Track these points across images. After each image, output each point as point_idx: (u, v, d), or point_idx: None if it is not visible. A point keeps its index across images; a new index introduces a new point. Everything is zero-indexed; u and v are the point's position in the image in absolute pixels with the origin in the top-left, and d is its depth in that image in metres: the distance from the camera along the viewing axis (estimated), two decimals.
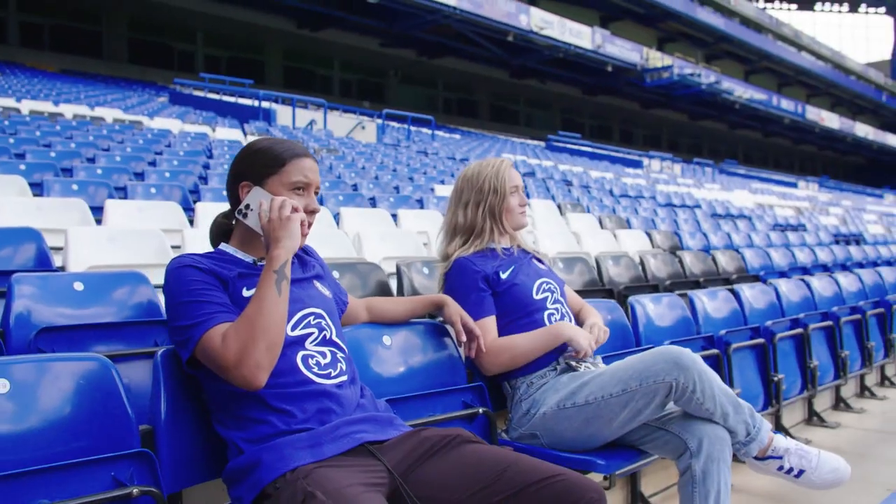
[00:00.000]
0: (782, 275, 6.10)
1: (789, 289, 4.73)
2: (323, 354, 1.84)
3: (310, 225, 1.93)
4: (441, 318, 2.48)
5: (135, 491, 1.59)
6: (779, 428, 4.33)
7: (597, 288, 4.46)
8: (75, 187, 4.97)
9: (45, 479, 1.52)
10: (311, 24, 30.82)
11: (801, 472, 2.33)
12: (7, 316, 2.34)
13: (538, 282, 2.63)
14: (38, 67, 22.96)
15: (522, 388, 2.48)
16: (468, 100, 39.54)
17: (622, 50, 33.91)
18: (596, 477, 2.81)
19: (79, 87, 17.28)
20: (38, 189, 4.89)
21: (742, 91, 40.20)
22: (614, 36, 34.10)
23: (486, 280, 2.56)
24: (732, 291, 4.24)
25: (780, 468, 2.34)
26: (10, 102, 11.25)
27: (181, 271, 1.77)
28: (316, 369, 1.80)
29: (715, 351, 3.40)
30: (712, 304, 3.93)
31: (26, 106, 11.08)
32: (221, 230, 1.97)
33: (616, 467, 2.34)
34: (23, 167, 5.46)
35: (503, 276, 2.59)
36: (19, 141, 7.06)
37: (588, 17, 34.41)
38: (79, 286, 2.53)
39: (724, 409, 2.24)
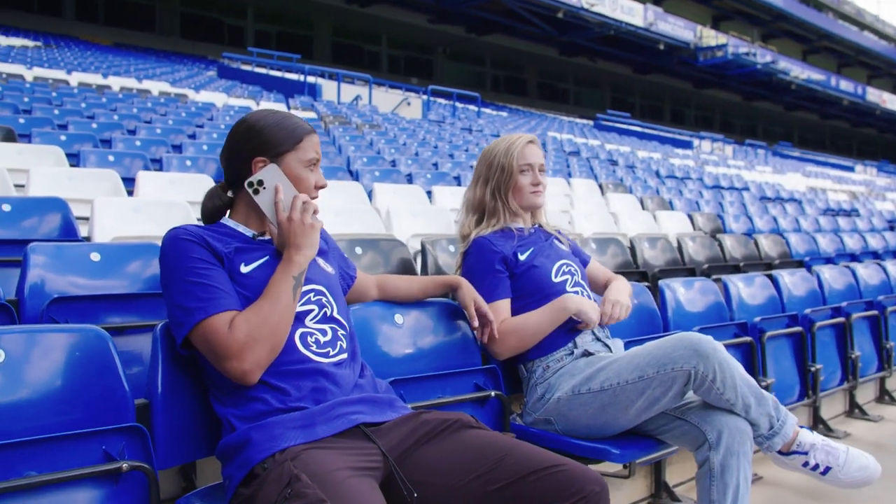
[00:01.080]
0: (828, 261, 5.91)
1: (832, 276, 4.56)
2: (323, 332, 1.79)
3: (315, 199, 1.91)
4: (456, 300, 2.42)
5: (124, 466, 1.57)
6: (817, 420, 4.20)
7: (630, 270, 4.35)
8: (111, 158, 5.00)
9: (33, 451, 1.51)
10: None
11: (827, 469, 2.22)
12: (22, 285, 2.34)
13: (558, 264, 2.55)
14: (91, 41, 23.34)
15: (538, 371, 2.42)
16: (516, 77, 39.18)
17: (675, 28, 33.22)
18: (614, 466, 2.75)
19: (129, 60, 17.50)
20: (75, 159, 4.93)
21: (799, 71, 39.14)
22: (667, 13, 33.40)
23: (505, 261, 2.49)
24: (771, 278, 4.09)
25: (806, 464, 2.23)
26: (60, 75, 11.43)
27: (181, 245, 1.73)
28: (314, 347, 1.75)
29: (747, 339, 3.28)
30: (748, 290, 3.80)
31: (76, 78, 11.25)
32: (220, 203, 1.92)
33: (631, 457, 2.26)
34: (63, 138, 5.51)
35: (521, 257, 2.52)
36: (63, 112, 7.15)
37: None
38: (95, 257, 2.52)
39: (746, 401, 2.14)
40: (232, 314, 1.66)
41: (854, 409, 4.43)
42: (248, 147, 1.86)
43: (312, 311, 1.80)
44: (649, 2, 33.23)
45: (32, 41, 18.37)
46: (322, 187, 1.93)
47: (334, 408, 1.67)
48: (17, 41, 17.58)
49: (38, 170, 3.95)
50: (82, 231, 3.29)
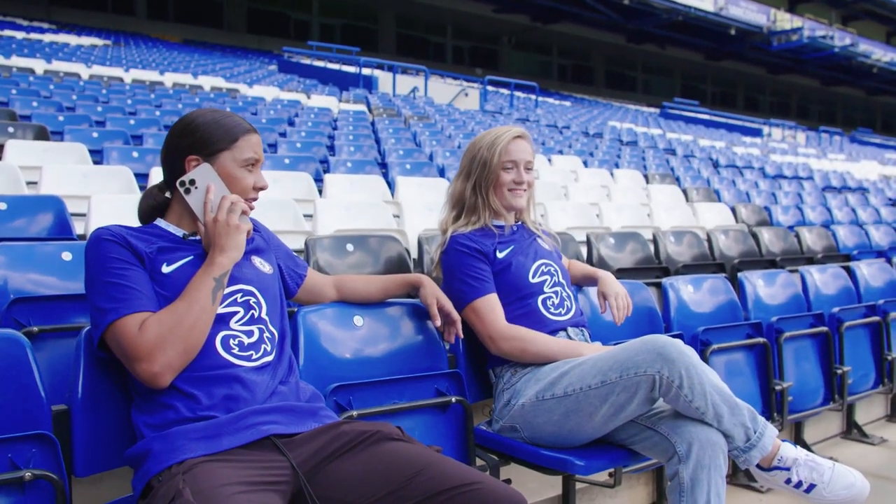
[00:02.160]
0: (880, 254, 5.58)
1: (871, 272, 4.27)
2: (249, 333, 1.72)
3: (255, 201, 1.86)
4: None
5: (27, 475, 1.52)
6: (850, 424, 3.98)
7: (651, 266, 4.18)
8: (135, 155, 5.05)
9: None
10: None
11: (811, 486, 2.05)
12: None
13: (536, 263, 2.43)
14: (161, 38, 23.92)
15: (506, 376, 2.31)
16: (583, 66, 38.62)
17: (746, 12, 32.19)
18: (602, 475, 2.62)
19: (193, 56, 17.84)
20: (100, 156, 5.00)
21: (882, 54, 37.50)
22: None
23: (485, 256, 2.38)
24: (799, 274, 3.87)
25: (788, 481, 2.06)
26: (117, 72, 11.70)
27: (101, 245, 1.69)
28: (236, 350, 1.69)
29: (760, 340, 3.09)
30: (768, 289, 3.58)
31: (131, 75, 11.50)
32: (155, 203, 1.87)
33: (596, 468, 2.14)
34: (95, 135, 5.60)
35: (499, 255, 2.41)
36: (107, 109, 7.28)
37: None
38: (67, 256, 2.50)
39: (718, 410, 1.99)
40: (145, 315, 1.61)
41: (895, 414, 4.18)
42: (182, 144, 1.80)
43: (238, 312, 1.73)
44: None
45: (103, 40, 18.91)
46: (261, 188, 1.86)
47: (245, 417, 1.60)
48: (88, 40, 18.13)
49: (51, 167, 4.00)
50: (79, 230, 3.30)
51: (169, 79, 11.70)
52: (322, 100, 11.87)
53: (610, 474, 2.62)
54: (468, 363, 2.41)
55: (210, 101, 9.34)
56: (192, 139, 1.79)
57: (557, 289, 2.43)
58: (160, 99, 8.88)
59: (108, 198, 3.38)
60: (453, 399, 2.18)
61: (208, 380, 1.63)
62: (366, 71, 16.51)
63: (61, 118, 6.29)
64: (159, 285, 1.68)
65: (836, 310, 3.58)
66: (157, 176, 4.23)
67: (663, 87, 39.48)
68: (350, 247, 3.15)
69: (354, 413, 1.98)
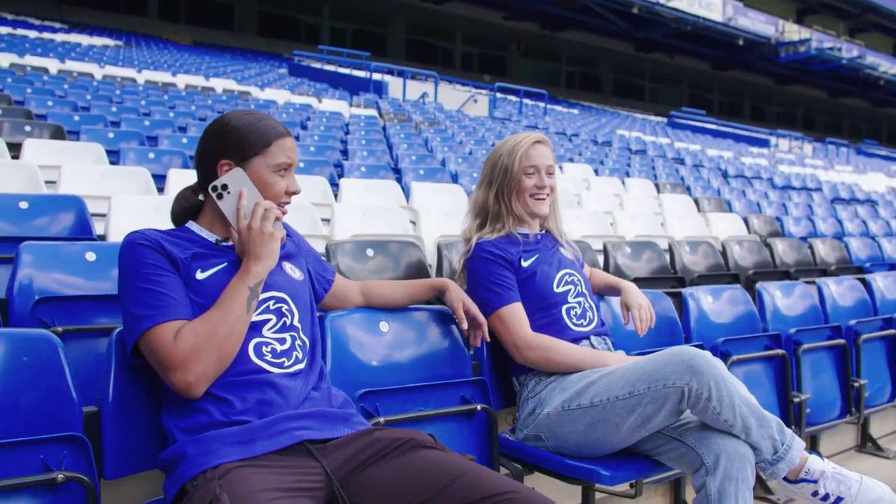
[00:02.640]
0: (893, 267, 5.57)
1: (887, 284, 4.26)
2: (281, 341, 1.72)
3: (287, 205, 1.84)
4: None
5: (60, 476, 1.53)
6: (865, 438, 3.96)
7: (667, 276, 4.17)
8: (151, 156, 5.06)
9: None
10: None
11: (838, 499, 2.04)
12: (12, 285, 2.34)
13: (561, 273, 2.43)
14: (172, 40, 23.99)
15: (530, 384, 2.30)
16: (592, 74, 38.64)
17: (755, 22, 32.19)
18: (622, 486, 2.61)
19: (204, 58, 17.88)
20: (116, 157, 5.01)
21: (888, 66, 37.45)
22: (747, 8, 32.38)
23: (510, 264, 2.38)
24: (816, 286, 3.86)
25: (815, 494, 2.06)
26: (130, 73, 11.72)
27: (136, 250, 1.69)
28: (269, 356, 1.68)
29: (779, 352, 3.08)
30: (786, 300, 3.58)
31: (144, 76, 11.52)
32: (188, 205, 1.87)
33: (623, 479, 2.13)
34: (111, 135, 5.61)
35: (524, 263, 2.40)
36: (121, 109, 7.30)
37: None
38: (91, 256, 2.51)
39: (746, 422, 1.98)
40: (180, 323, 1.61)
41: None
42: (216, 148, 1.80)
43: (270, 320, 1.73)
44: None
45: (115, 41, 18.96)
46: (294, 193, 1.84)
47: (279, 422, 1.59)
48: (100, 41, 18.18)
49: (70, 167, 4.01)
50: (99, 230, 3.30)
51: (181, 80, 11.72)
52: (333, 104, 11.88)
53: (631, 485, 2.62)
54: (491, 371, 2.40)
55: (222, 104, 9.36)
56: (226, 142, 1.79)
57: (580, 299, 2.43)
58: (173, 100, 8.90)
59: (128, 198, 3.39)
60: (479, 407, 2.18)
61: (241, 385, 1.63)
62: (376, 76, 16.53)
63: (77, 118, 6.30)
64: (193, 292, 1.68)
65: (853, 322, 3.58)
66: (174, 178, 4.23)
67: (671, 96, 39.48)
68: (370, 252, 3.15)
69: (381, 420, 1.97)
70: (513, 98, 20.68)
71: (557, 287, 2.40)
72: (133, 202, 3.38)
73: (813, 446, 3.66)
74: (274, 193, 1.79)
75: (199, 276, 1.71)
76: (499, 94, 18.04)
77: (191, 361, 1.57)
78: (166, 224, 3.10)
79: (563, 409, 2.15)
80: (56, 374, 1.67)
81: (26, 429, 1.61)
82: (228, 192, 1.76)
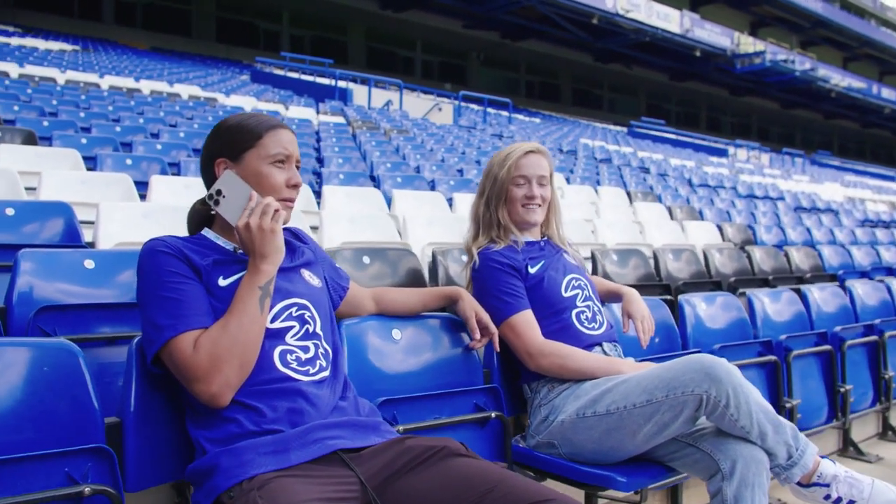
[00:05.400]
0: (863, 275, 5.69)
1: (865, 291, 4.36)
2: (305, 349, 1.69)
3: (292, 200, 1.80)
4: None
5: (87, 490, 1.48)
6: (847, 442, 4.03)
7: (653, 283, 4.21)
8: (129, 162, 4.96)
9: None
10: (395, 4, 30.87)
11: (850, 502, 2.07)
12: (10, 293, 2.27)
13: (567, 278, 2.43)
14: (129, 45, 23.62)
15: (543, 391, 2.30)
16: (551, 83, 38.94)
17: (711, 34, 32.79)
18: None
19: (164, 64, 17.66)
20: (92, 163, 4.91)
21: (839, 79, 38.43)
22: (704, 20, 32.98)
23: (517, 271, 2.38)
24: (799, 293, 3.92)
25: (827, 497, 2.08)
26: (93, 78, 11.52)
27: (157, 257, 1.64)
28: (295, 364, 1.65)
29: (772, 358, 3.13)
30: (774, 305, 3.63)
31: (107, 81, 11.32)
32: (200, 216, 1.84)
33: (638, 485, 2.14)
34: (84, 141, 5.51)
35: (532, 270, 2.41)
36: (90, 115, 7.16)
37: (677, 0, 33.33)
38: (89, 264, 2.45)
39: (763, 428, 2.00)
40: (199, 332, 1.57)
41: (887, 432, 4.24)
42: (212, 149, 1.78)
43: (293, 327, 1.70)
44: (686, 8, 32.85)
45: (71, 45, 18.61)
46: (295, 186, 1.79)
47: (311, 431, 1.57)
48: (56, 45, 17.83)
49: (50, 173, 3.91)
50: (87, 236, 3.23)
51: (145, 86, 11.55)
52: (300, 111, 11.81)
53: (636, 491, 2.63)
54: (502, 378, 2.39)
55: (189, 110, 9.24)
56: (220, 142, 1.77)
57: (589, 303, 2.44)
58: (140, 106, 8.76)
59: (116, 205, 3.31)
60: (493, 414, 2.17)
61: (270, 393, 1.60)
62: (340, 83, 16.46)
63: (46, 123, 6.15)
64: (217, 299, 1.65)
65: (838, 329, 3.65)
66: (157, 185, 4.18)
67: (629, 107, 39.98)
68: (366, 259, 3.13)
69: (400, 427, 1.96)
70: (475, 107, 20.74)
71: (566, 292, 2.41)
72: (121, 209, 3.31)
73: None
74: (271, 185, 1.74)
75: (222, 282, 1.68)
76: (462, 103, 18.09)
77: (212, 371, 1.54)
78: (155, 231, 3.05)
79: (578, 416, 2.15)
80: (78, 384, 1.62)
81: (48, 440, 1.56)
82: (224, 197, 1.70)
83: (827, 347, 3.49)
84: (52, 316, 2.18)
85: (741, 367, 3.00)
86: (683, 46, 32.26)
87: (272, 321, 1.67)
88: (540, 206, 2.49)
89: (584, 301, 2.42)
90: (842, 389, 3.51)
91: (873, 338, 3.83)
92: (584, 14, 28.47)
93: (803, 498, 2.13)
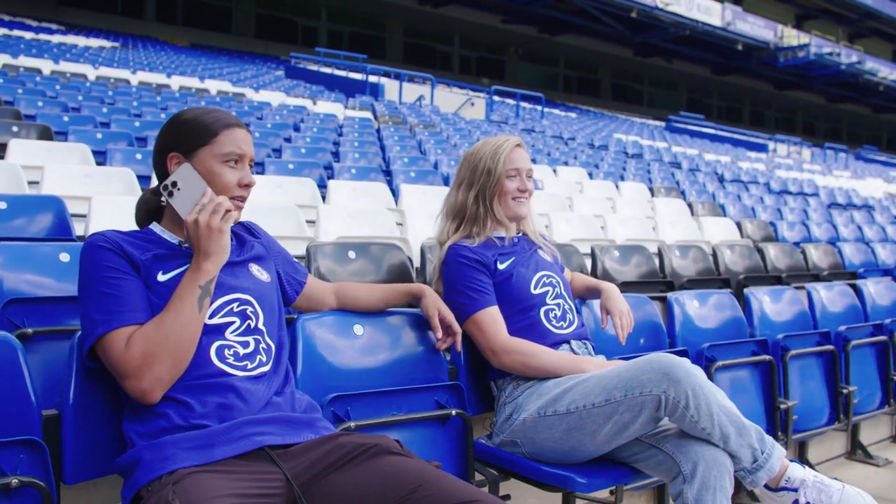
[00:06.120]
0: (886, 273, 5.54)
1: (878, 291, 4.23)
2: (244, 344, 1.68)
3: (243, 199, 1.78)
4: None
5: (14, 481, 1.49)
6: (855, 445, 3.92)
7: (655, 280, 4.13)
8: (139, 156, 5.01)
9: None
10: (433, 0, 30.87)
11: None
12: None
13: (538, 275, 2.39)
14: (169, 42, 23.97)
15: (508, 389, 2.26)
16: (590, 78, 38.65)
17: (754, 27, 32.23)
18: (603, 492, 2.57)
19: (201, 60, 17.85)
20: (103, 157, 4.97)
21: (888, 72, 37.50)
22: (746, 12, 32.40)
23: (486, 267, 2.34)
24: (805, 291, 3.82)
25: (796, 502, 2.01)
26: (124, 74, 11.69)
27: (95, 252, 1.64)
28: (232, 360, 1.64)
29: (766, 357, 3.05)
30: (774, 305, 3.53)
31: (138, 78, 11.47)
32: (149, 208, 1.83)
33: (599, 486, 2.09)
34: (99, 136, 5.57)
35: (500, 266, 2.37)
36: (112, 110, 7.25)
37: None
38: (65, 257, 2.46)
39: (724, 430, 1.94)
40: (133, 329, 1.57)
41: None
42: (166, 143, 1.77)
43: (234, 323, 1.69)
44: (728, 1, 32.28)
45: (111, 42, 18.93)
46: (247, 185, 1.77)
47: (238, 427, 1.55)
48: (97, 42, 18.15)
49: (53, 167, 3.97)
50: (79, 230, 3.26)
51: (175, 82, 11.69)
52: (328, 106, 11.85)
53: (611, 492, 2.58)
54: (469, 375, 2.36)
55: (215, 105, 9.29)
56: (174, 137, 1.75)
57: (559, 301, 2.39)
58: (166, 101, 8.86)
59: (108, 199, 3.35)
60: (453, 412, 2.14)
61: (202, 388, 1.59)
62: (372, 78, 16.50)
63: (66, 118, 6.25)
64: (155, 294, 1.64)
65: (842, 328, 3.54)
66: (156, 178, 4.20)
67: (669, 101, 39.49)
68: (352, 254, 3.11)
69: (352, 424, 1.93)
70: (510, 101, 20.65)
71: (535, 289, 2.36)
72: (113, 203, 3.34)
73: (801, 453, 3.63)
74: (223, 185, 1.73)
75: (161, 277, 1.67)
76: (496, 98, 18.01)
77: (143, 368, 1.53)
78: None
79: (540, 415, 2.11)
80: (15, 377, 1.63)
81: None
82: (178, 189, 1.70)
83: (829, 347, 3.39)
84: (21, 308, 2.20)
85: (732, 366, 2.97)
86: (725, 40, 31.77)
87: (212, 316, 1.66)
88: (527, 199, 2.46)
89: (554, 298, 2.38)
90: (845, 391, 3.41)
91: (882, 338, 3.71)
92: (622, 8, 28.21)
93: (772, 502, 2.07)
